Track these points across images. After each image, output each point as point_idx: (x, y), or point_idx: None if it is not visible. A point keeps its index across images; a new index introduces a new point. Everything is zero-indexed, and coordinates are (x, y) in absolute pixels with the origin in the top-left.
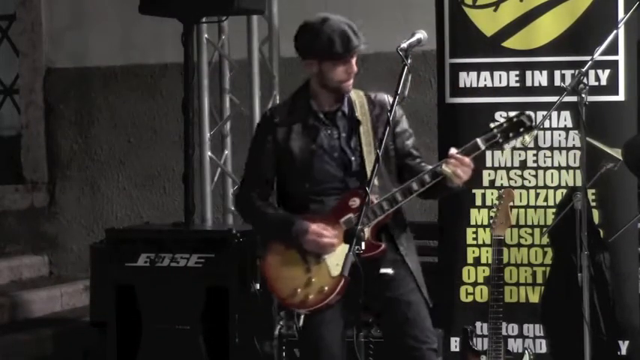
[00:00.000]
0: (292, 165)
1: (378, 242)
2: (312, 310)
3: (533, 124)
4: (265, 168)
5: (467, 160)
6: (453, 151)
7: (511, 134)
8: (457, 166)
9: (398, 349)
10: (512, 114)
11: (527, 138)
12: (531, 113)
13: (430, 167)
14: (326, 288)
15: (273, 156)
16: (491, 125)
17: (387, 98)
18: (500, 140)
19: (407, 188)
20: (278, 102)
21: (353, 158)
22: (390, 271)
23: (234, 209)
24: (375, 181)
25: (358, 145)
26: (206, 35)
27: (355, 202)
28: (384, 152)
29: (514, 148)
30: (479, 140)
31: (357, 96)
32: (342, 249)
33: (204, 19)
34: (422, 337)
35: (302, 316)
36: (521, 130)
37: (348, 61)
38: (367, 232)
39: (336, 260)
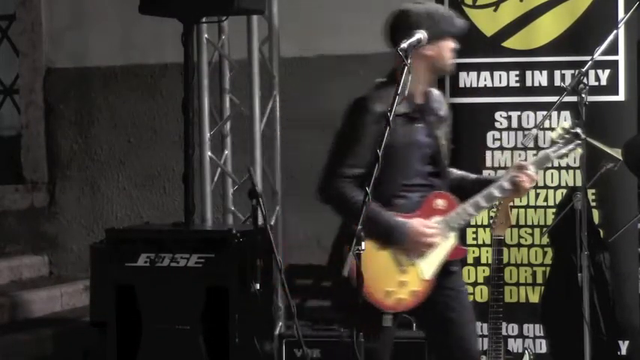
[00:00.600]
0: (389, 158)
1: (464, 248)
2: (402, 312)
3: (584, 134)
4: (362, 157)
5: (536, 177)
6: (531, 171)
7: (572, 146)
8: (528, 182)
9: (446, 346)
10: (565, 124)
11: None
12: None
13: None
14: (419, 290)
15: (371, 146)
16: (553, 137)
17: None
18: (565, 151)
19: (488, 195)
20: (277, 102)
21: (439, 156)
22: (457, 267)
23: (233, 209)
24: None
25: (437, 144)
26: (206, 35)
27: (441, 203)
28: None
29: (514, 148)
30: (549, 152)
31: (441, 95)
32: (433, 252)
33: (204, 19)
34: (474, 336)
35: (389, 317)
36: (578, 142)
37: (453, 40)
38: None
39: (427, 263)
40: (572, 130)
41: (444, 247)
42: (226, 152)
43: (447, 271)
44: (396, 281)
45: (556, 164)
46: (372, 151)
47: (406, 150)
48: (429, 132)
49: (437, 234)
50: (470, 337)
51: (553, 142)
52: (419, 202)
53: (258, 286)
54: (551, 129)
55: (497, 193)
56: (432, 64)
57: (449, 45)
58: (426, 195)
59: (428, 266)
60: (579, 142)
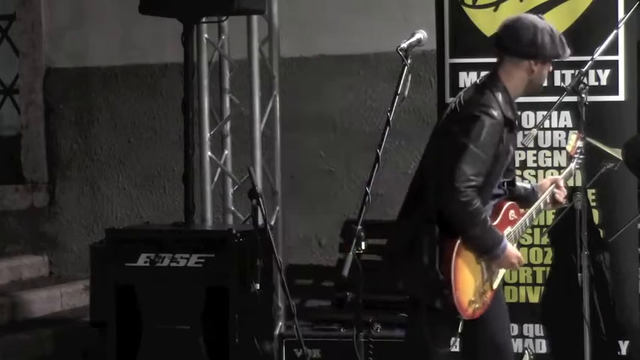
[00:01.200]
0: (494, 168)
1: None
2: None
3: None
4: (489, 165)
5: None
6: (561, 184)
7: (583, 155)
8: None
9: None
10: (573, 137)
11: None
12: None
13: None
14: (488, 300)
15: (492, 155)
16: (570, 152)
17: None
18: (581, 161)
19: (537, 209)
20: (277, 102)
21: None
22: None
23: (233, 209)
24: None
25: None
26: (206, 35)
27: (513, 214)
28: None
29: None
30: (574, 168)
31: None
32: None
33: (204, 19)
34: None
35: (462, 323)
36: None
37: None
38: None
39: (498, 273)
40: (582, 142)
41: None
42: (226, 152)
43: None
44: (480, 291)
45: (551, 164)
46: (492, 157)
47: (506, 158)
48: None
49: (521, 259)
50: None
51: (571, 158)
52: (494, 210)
53: (258, 286)
54: (551, 129)
55: (542, 206)
56: (531, 80)
57: (549, 68)
58: (495, 203)
59: (498, 277)
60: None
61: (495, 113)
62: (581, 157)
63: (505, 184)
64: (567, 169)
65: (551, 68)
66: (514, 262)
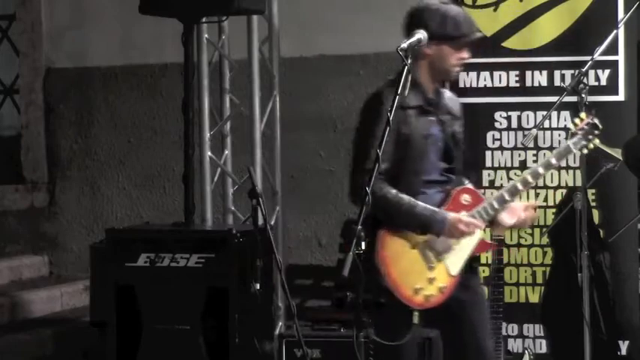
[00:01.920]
0: (408, 152)
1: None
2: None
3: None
4: (385, 152)
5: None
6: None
7: (590, 136)
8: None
9: (466, 346)
10: (583, 115)
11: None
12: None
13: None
14: (446, 287)
15: (392, 140)
16: (572, 128)
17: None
18: (584, 142)
19: (512, 188)
20: (277, 102)
21: (455, 153)
22: (477, 264)
23: (233, 209)
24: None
25: (454, 140)
26: (206, 35)
27: (467, 199)
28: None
29: (514, 148)
30: (570, 144)
31: (450, 95)
32: (460, 248)
33: (204, 19)
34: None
35: (417, 314)
36: (596, 132)
37: (464, 48)
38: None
39: (454, 259)
40: (591, 121)
41: (469, 242)
42: (226, 152)
43: (470, 267)
44: (425, 278)
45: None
46: (392, 142)
47: (423, 142)
48: (442, 127)
49: (476, 223)
50: (484, 337)
51: (573, 134)
52: (440, 197)
53: (258, 286)
54: (551, 129)
55: (520, 186)
56: (431, 63)
57: (450, 50)
58: (443, 191)
59: (455, 262)
60: (598, 132)
61: (385, 97)
62: (587, 138)
63: (444, 170)
64: (562, 146)
65: (461, 53)
66: (462, 228)
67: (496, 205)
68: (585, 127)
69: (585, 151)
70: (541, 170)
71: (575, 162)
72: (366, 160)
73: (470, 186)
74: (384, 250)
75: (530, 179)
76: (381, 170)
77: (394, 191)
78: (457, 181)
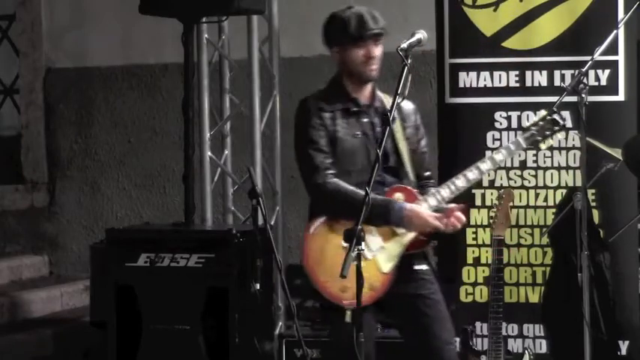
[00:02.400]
0: (337, 152)
1: (424, 238)
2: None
3: (565, 122)
4: (326, 150)
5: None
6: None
7: (547, 132)
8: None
9: (422, 349)
10: (542, 112)
11: (560, 136)
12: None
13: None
14: (377, 285)
15: (328, 139)
16: (527, 124)
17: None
18: (539, 138)
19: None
20: (277, 102)
21: (390, 152)
22: (424, 267)
23: (233, 209)
24: (411, 177)
25: (392, 141)
26: (206, 35)
27: (400, 197)
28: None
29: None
30: (520, 138)
31: (386, 101)
32: (391, 245)
33: (204, 19)
34: (449, 337)
35: (349, 312)
36: (556, 128)
37: (365, 45)
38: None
39: (386, 256)
40: (549, 117)
41: (402, 239)
42: (226, 152)
43: (411, 269)
44: (354, 275)
45: (551, 164)
46: (327, 143)
47: (351, 143)
48: (373, 128)
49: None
50: (442, 346)
51: (526, 129)
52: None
53: (258, 286)
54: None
55: (461, 183)
56: (345, 68)
57: (353, 49)
58: (376, 191)
59: (386, 259)
60: (557, 128)
61: (310, 103)
62: (543, 134)
63: (385, 171)
64: (512, 140)
65: (365, 50)
66: (426, 219)
67: (432, 202)
68: (541, 122)
69: (543, 146)
70: (485, 166)
71: (574, 162)
72: (314, 161)
73: (404, 185)
74: (310, 250)
75: (470, 176)
76: (329, 166)
77: (346, 185)
78: (395, 181)
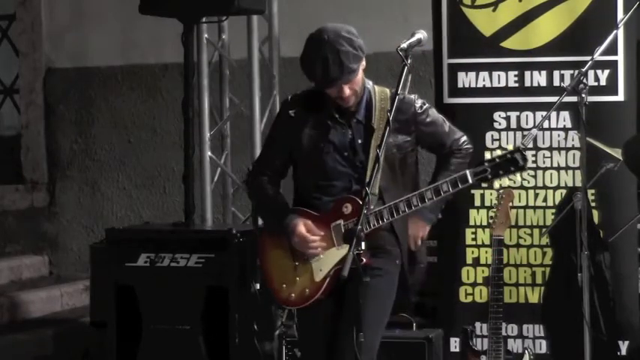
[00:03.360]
0: (301, 157)
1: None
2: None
3: (527, 163)
4: (277, 154)
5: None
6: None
7: (501, 172)
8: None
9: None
10: (509, 147)
11: (518, 177)
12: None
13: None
14: (307, 291)
15: (287, 144)
16: (486, 158)
17: (414, 99)
18: (489, 176)
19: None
20: (277, 102)
21: (362, 160)
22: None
23: (233, 209)
24: (378, 185)
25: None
26: (206, 35)
27: (347, 208)
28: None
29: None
30: (468, 173)
31: (380, 98)
32: (329, 255)
33: (204, 19)
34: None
35: (286, 311)
36: (512, 168)
37: (335, 87)
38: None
39: (321, 266)
40: (510, 156)
41: (337, 252)
42: (226, 152)
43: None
44: (291, 276)
45: (550, 164)
46: (279, 151)
47: (316, 150)
48: (354, 137)
49: (318, 245)
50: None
51: (479, 164)
52: (331, 204)
53: (258, 286)
54: (550, 129)
55: (403, 207)
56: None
57: (328, 89)
58: (337, 195)
59: (320, 268)
60: (513, 169)
61: (286, 107)
62: (496, 173)
63: (352, 179)
64: (460, 173)
65: (335, 91)
66: (296, 240)
67: (374, 223)
68: (498, 159)
69: (495, 184)
70: (429, 194)
71: (574, 162)
72: (263, 161)
73: (355, 197)
74: (263, 243)
75: (414, 202)
76: (272, 168)
77: (269, 186)
78: (357, 189)
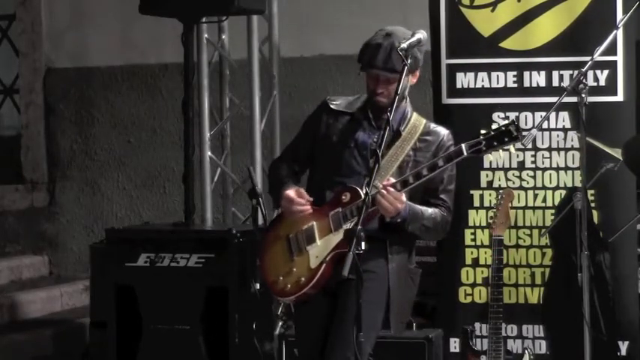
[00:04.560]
0: (324, 147)
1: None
2: (292, 300)
3: (521, 134)
4: (303, 142)
5: (394, 193)
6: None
7: (495, 143)
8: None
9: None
10: (503, 122)
11: (512, 149)
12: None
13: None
14: (303, 279)
15: (317, 132)
16: (482, 131)
17: (443, 132)
18: (484, 148)
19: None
20: (277, 102)
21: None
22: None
23: (233, 209)
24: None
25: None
26: (206, 35)
27: (346, 196)
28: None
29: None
30: (463, 146)
31: (416, 119)
32: (325, 241)
33: (204, 19)
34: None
35: (282, 304)
36: (506, 139)
37: (373, 75)
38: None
39: (317, 252)
40: (504, 129)
41: (330, 239)
42: (226, 152)
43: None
44: (286, 268)
45: (549, 165)
46: (306, 139)
47: (341, 147)
48: (379, 139)
49: (303, 208)
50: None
51: (474, 136)
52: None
53: (258, 286)
54: (550, 130)
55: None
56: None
57: (367, 77)
58: (335, 187)
59: (317, 255)
60: (507, 140)
61: (330, 100)
62: (491, 144)
63: (365, 179)
64: (456, 147)
65: (372, 81)
66: (284, 203)
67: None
68: (492, 132)
69: (490, 157)
70: (425, 172)
71: (573, 162)
72: (287, 151)
73: (355, 186)
74: (263, 241)
75: (411, 180)
76: (294, 156)
77: (284, 171)
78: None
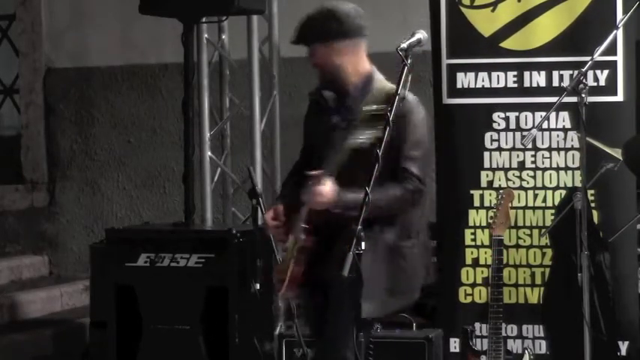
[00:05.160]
0: (308, 143)
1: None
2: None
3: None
4: (305, 144)
5: (316, 188)
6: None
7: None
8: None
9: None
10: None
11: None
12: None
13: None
14: (287, 275)
15: (305, 132)
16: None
17: (416, 102)
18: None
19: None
20: (277, 102)
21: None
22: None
23: (233, 209)
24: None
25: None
26: (206, 35)
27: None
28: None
29: (512, 149)
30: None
31: (380, 93)
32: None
33: (204, 19)
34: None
35: (283, 302)
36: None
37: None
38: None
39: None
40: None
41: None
42: (226, 152)
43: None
44: (283, 266)
45: (549, 165)
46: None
47: (319, 136)
48: (342, 121)
49: (277, 228)
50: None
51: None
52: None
53: (258, 286)
54: (550, 130)
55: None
56: None
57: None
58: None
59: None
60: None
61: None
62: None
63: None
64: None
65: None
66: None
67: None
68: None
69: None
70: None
71: (573, 162)
72: (300, 156)
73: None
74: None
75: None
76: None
77: (288, 180)
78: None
